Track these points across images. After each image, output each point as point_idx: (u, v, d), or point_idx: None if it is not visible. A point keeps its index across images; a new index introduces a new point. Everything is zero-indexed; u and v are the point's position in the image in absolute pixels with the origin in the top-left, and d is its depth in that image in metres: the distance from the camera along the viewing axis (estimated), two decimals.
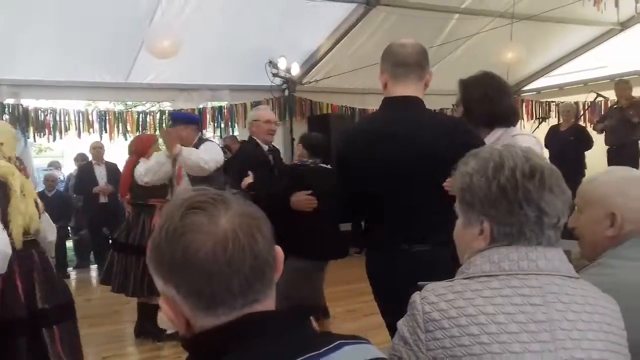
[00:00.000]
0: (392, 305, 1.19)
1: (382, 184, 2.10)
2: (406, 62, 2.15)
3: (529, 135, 2.61)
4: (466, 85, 2.50)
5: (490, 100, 2.40)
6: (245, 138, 4.83)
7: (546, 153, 5.63)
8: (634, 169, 1.56)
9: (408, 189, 2.06)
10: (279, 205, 3.30)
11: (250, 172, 3.55)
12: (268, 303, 0.85)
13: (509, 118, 2.46)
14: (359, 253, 7.60)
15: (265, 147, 3.86)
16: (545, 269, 1.11)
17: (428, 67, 2.21)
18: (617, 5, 5.45)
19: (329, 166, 3.63)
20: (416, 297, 1.13)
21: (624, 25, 7.79)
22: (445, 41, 7.53)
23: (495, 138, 2.36)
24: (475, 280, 1.12)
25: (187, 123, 4.33)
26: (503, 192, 1.12)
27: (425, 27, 7.16)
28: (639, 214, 1.43)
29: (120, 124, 7.61)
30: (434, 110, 9.06)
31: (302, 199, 3.41)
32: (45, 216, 2.88)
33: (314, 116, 8.40)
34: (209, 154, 4.06)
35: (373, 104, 8.81)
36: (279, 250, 0.89)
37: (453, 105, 2.54)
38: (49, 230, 2.89)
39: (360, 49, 7.48)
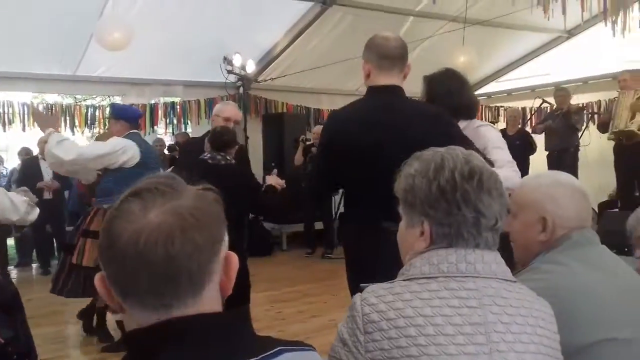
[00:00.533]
0: (364, 279, 1.22)
1: (367, 167, 2.18)
2: (391, 54, 2.27)
3: (492, 126, 2.78)
4: (431, 81, 2.65)
5: (453, 95, 2.56)
6: (198, 135, 4.67)
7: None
8: (563, 174, 1.58)
9: (391, 173, 2.11)
10: None
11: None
12: (193, 311, 0.81)
13: (471, 111, 2.68)
14: (310, 254, 7.60)
15: None
16: (482, 272, 1.13)
17: (407, 60, 2.34)
18: (564, 13, 5.61)
19: (232, 161, 3.45)
20: (357, 298, 1.12)
21: (571, 33, 8.07)
22: None
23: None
24: (414, 282, 1.12)
25: (117, 118, 4.10)
26: (442, 193, 1.14)
27: (380, 28, 7.16)
28: (569, 219, 1.46)
29: (67, 118, 7.36)
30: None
31: None
32: (4, 197, 2.73)
33: (268, 115, 8.35)
34: (92, 146, 3.79)
35: (327, 104, 8.85)
36: (229, 259, 0.85)
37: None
38: (8, 210, 2.73)
39: (317, 48, 7.49)
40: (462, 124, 2.48)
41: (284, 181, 3.52)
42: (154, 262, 0.77)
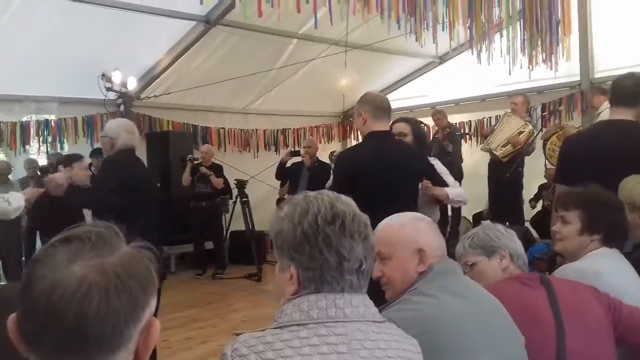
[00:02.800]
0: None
1: (380, 191, 2.77)
2: (385, 107, 3.04)
3: (437, 160, 3.67)
4: (416, 124, 3.53)
5: (426, 138, 3.69)
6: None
7: None
8: (412, 213, 1.79)
9: (396, 195, 2.83)
10: None
11: None
12: None
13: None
14: (200, 275, 7.44)
15: None
16: (351, 316, 1.16)
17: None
18: (435, 41, 6.05)
19: None
20: (227, 349, 1.12)
21: (442, 58, 8.69)
22: (285, 64, 7.76)
23: None
24: (286, 329, 1.14)
25: None
26: (306, 237, 1.17)
27: (265, 50, 7.32)
28: (436, 249, 1.62)
29: None
30: (288, 129, 9.28)
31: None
32: None
33: (153, 133, 8.09)
34: None
35: (215, 122, 8.77)
36: (152, 327, 0.81)
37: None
38: None
39: (202, 66, 7.41)
40: None
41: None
42: (64, 318, 0.73)
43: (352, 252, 1.18)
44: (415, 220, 1.69)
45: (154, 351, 3.39)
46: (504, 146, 6.40)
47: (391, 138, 3.09)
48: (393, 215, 1.73)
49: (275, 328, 1.16)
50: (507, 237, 1.92)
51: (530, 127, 6.33)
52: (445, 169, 3.55)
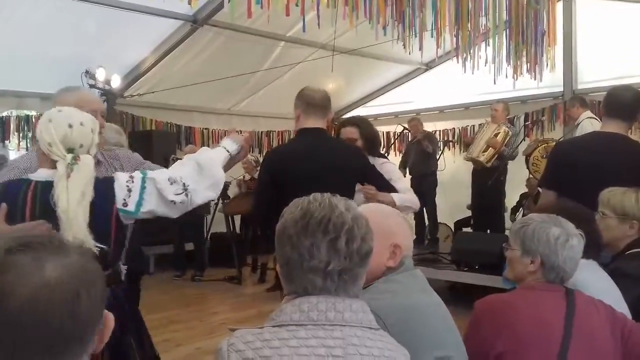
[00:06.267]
0: None
1: (309, 190, 2.50)
2: (317, 103, 2.84)
3: (390, 162, 3.52)
4: (365, 125, 3.36)
5: (376, 137, 3.45)
6: None
7: None
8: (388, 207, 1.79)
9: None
10: None
11: None
12: None
13: (378, 148, 3.56)
14: (179, 277, 7.36)
15: None
16: (349, 321, 1.17)
17: (330, 109, 2.93)
18: (421, 48, 6.08)
19: None
20: (224, 344, 1.12)
21: (429, 65, 8.75)
22: (272, 66, 7.74)
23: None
24: (284, 328, 1.14)
25: None
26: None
27: (253, 51, 7.31)
28: (407, 247, 1.62)
29: None
30: (272, 131, 9.27)
31: None
32: None
33: (135, 132, 8.00)
34: None
35: (200, 123, 8.72)
36: (108, 318, 0.83)
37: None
38: None
39: (188, 65, 7.36)
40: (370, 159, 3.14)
41: None
42: (57, 322, 0.73)
43: None
44: (395, 215, 1.69)
45: None
46: (485, 151, 6.52)
47: (323, 135, 2.90)
48: (374, 204, 1.73)
49: (274, 326, 1.15)
50: (550, 247, 1.77)
51: (505, 127, 6.50)
52: (399, 172, 3.42)
